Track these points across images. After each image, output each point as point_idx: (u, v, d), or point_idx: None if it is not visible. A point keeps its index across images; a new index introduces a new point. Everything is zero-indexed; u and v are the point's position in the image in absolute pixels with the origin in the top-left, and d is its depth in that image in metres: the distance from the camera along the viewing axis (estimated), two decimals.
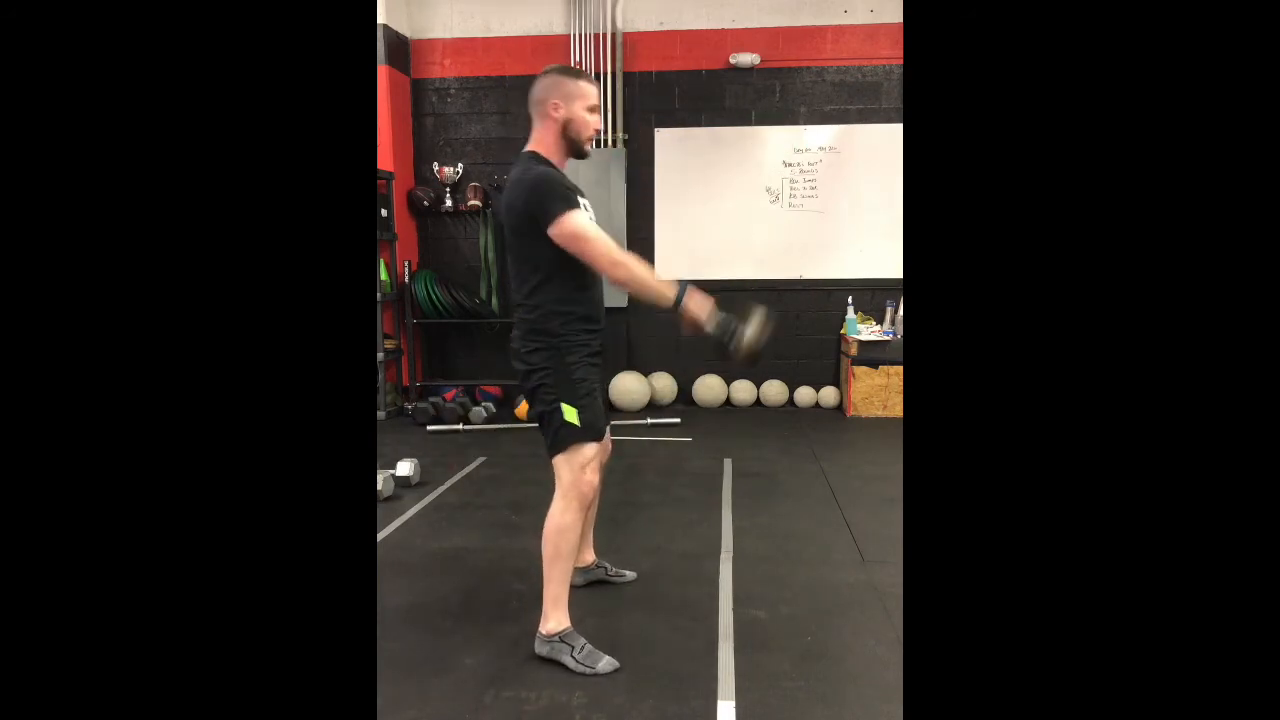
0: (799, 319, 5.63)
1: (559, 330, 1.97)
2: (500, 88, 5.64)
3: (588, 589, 2.52)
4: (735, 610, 2.37)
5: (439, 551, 2.90)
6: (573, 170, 6.13)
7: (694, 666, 2.05)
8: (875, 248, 5.51)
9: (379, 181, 5.23)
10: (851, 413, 5.27)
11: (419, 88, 5.70)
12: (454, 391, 5.43)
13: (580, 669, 2.00)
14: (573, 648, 2.02)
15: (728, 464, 4.08)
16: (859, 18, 5.37)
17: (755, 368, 2.27)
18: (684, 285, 1.95)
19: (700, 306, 1.95)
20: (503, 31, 5.59)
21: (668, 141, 5.58)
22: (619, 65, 5.48)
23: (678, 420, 5.12)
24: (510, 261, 2.04)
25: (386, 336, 5.42)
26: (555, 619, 2.05)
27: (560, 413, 1.97)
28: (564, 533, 2.00)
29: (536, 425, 2.08)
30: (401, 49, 5.52)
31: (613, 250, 1.91)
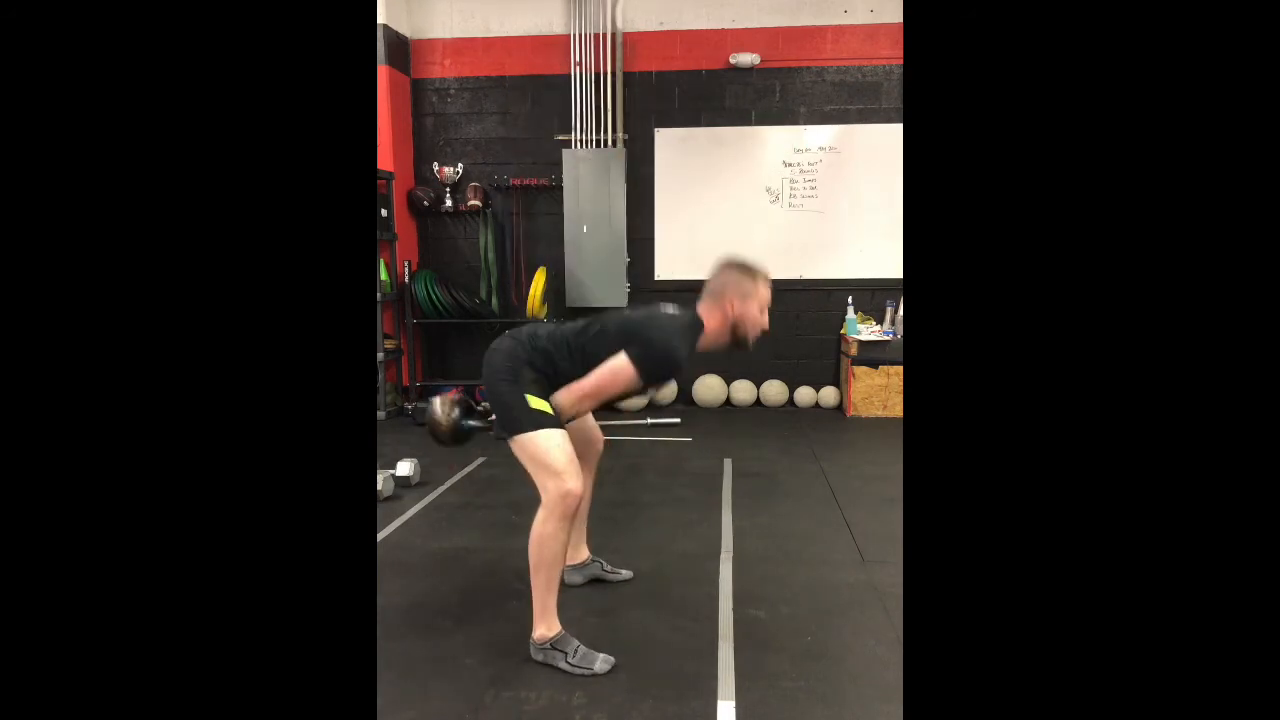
0: (799, 319, 5.63)
1: (537, 368, 2.15)
2: (500, 88, 5.64)
3: (587, 588, 2.52)
4: (735, 610, 2.37)
5: (439, 551, 2.90)
6: (574, 170, 6.05)
7: (694, 666, 2.05)
8: (875, 248, 5.51)
9: (379, 181, 5.23)
10: (851, 413, 5.27)
11: (419, 88, 5.70)
12: (454, 391, 5.42)
13: (576, 672, 2.00)
14: (566, 652, 2.03)
15: (728, 464, 4.08)
16: (859, 18, 5.38)
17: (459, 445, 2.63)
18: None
19: None
20: (503, 31, 5.59)
21: (668, 141, 5.58)
22: (619, 65, 5.48)
23: (678, 420, 5.13)
24: (571, 333, 2.15)
25: (386, 336, 5.42)
26: (545, 625, 2.07)
27: (525, 401, 2.08)
28: (545, 542, 2.01)
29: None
30: (401, 49, 5.52)
31: (599, 398, 2.09)
